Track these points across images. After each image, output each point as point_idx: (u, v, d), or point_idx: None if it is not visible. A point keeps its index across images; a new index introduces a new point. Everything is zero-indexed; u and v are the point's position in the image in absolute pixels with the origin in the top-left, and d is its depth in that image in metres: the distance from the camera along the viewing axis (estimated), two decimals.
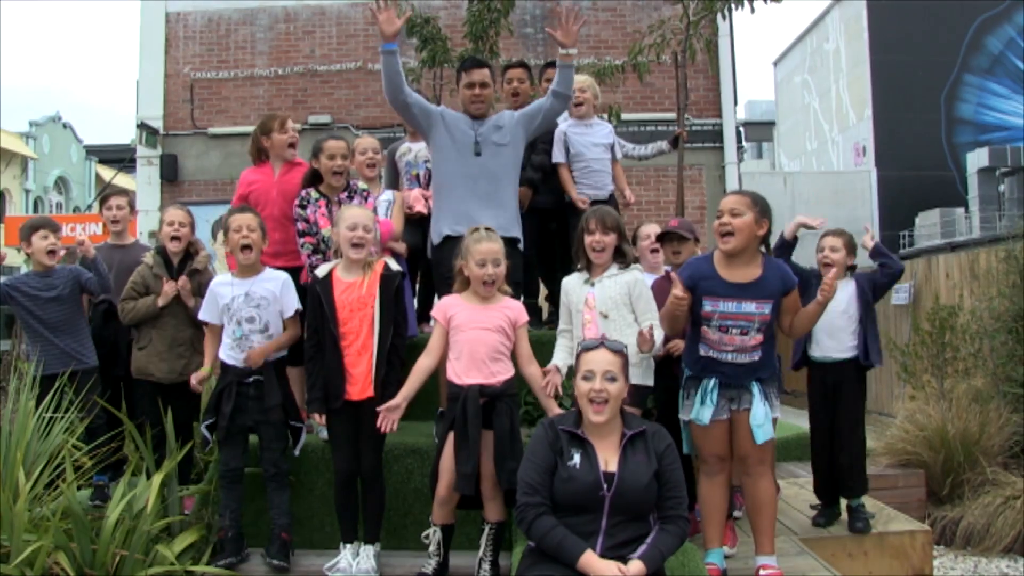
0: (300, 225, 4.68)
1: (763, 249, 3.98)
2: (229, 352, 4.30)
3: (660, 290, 4.35)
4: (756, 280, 3.80)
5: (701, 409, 3.85)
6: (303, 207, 4.69)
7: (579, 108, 5.53)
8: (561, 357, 4.12)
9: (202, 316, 4.43)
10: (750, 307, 3.78)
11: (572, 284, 4.21)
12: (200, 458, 5.22)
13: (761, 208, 3.82)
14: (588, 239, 4.09)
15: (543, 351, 4.40)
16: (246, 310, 4.29)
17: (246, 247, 4.29)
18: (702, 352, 3.87)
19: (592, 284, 4.11)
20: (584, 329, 4.06)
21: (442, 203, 4.69)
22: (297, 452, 4.41)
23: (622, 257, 4.13)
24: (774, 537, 3.98)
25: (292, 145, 5.10)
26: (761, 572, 3.87)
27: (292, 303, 4.40)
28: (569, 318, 4.20)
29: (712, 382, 3.85)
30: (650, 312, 4.08)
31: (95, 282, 4.94)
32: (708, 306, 3.82)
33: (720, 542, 4.04)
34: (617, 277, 4.10)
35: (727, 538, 4.31)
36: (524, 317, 3.98)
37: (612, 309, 4.04)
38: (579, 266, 4.20)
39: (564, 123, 5.54)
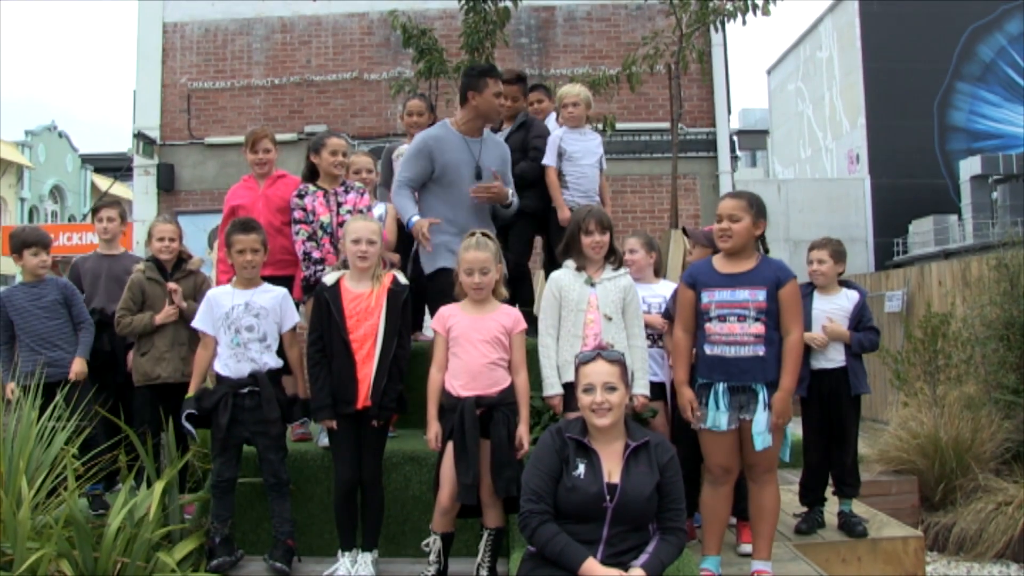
0: (297, 214, 4.81)
1: (760, 248, 4.07)
2: (226, 362, 4.33)
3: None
4: (749, 270, 3.94)
5: (717, 415, 3.89)
6: (301, 197, 4.84)
7: (573, 119, 5.56)
8: (556, 381, 4.10)
9: (196, 324, 4.44)
10: (743, 294, 3.88)
11: (568, 281, 4.19)
12: (198, 466, 5.26)
13: (757, 209, 3.97)
14: (587, 240, 4.14)
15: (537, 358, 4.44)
16: (246, 319, 4.34)
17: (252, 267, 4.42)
18: (708, 351, 3.94)
19: (593, 284, 4.16)
20: (586, 328, 4.10)
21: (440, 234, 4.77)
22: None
23: (612, 254, 4.22)
24: (772, 543, 4.05)
25: (261, 164, 5.19)
26: None
27: (293, 316, 4.49)
28: (556, 313, 4.17)
29: (722, 386, 3.90)
30: (637, 324, 4.17)
31: (77, 312, 5.05)
32: (705, 297, 3.95)
33: (717, 550, 4.11)
34: (616, 280, 4.17)
35: (746, 536, 4.38)
36: (521, 325, 4.03)
37: (614, 313, 4.12)
38: (576, 266, 4.24)
39: (559, 130, 5.60)
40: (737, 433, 3.93)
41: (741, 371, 3.86)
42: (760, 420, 3.83)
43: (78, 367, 4.93)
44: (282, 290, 4.52)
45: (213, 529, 4.24)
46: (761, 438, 3.82)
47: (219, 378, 4.35)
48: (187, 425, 4.32)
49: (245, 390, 4.28)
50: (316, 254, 4.77)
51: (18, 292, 5.03)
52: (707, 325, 3.94)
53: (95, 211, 5.54)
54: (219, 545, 4.20)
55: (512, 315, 4.03)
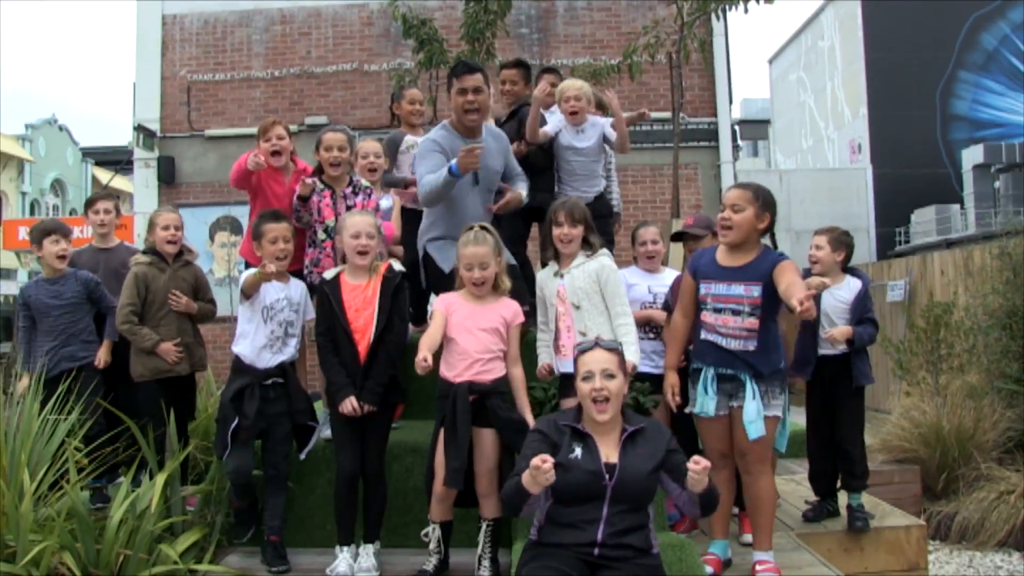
0: (296, 203, 4.70)
1: (767, 241, 4.06)
2: (260, 353, 4.27)
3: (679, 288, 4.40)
4: (746, 264, 3.92)
5: (705, 400, 3.94)
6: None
7: (574, 116, 5.30)
8: (546, 355, 4.22)
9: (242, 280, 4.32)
10: (738, 289, 3.89)
11: (544, 277, 4.27)
12: (200, 459, 5.26)
13: (763, 202, 3.93)
14: (556, 231, 4.15)
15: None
16: (287, 313, 4.35)
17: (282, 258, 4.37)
18: (702, 335, 4.00)
19: (561, 276, 4.16)
20: (559, 321, 4.12)
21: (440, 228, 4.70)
22: (303, 456, 4.43)
23: (589, 247, 4.20)
24: (771, 534, 4.05)
25: (276, 153, 4.96)
26: (758, 567, 3.94)
27: (311, 311, 4.48)
28: (546, 311, 4.26)
29: (711, 372, 3.94)
30: (619, 301, 4.09)
31: (105, 305, 5.11)
32: (703, 289, 3.99)
33: (724, 534, 4.15)
34: (584, 266, 4.14)
35: (748, 527, 4.38)
36: (519, 317, 4.05)
37: (583, 299, 4.09)
38: (548, 257, 4.26)
39: (559, 122, 5.38)
40: (728, 420, 3.96)
41: (731, 361, 3.90)
42: (750, 409, 3.85)
43: (105, 354, 5.09)
44: (303, 284, 4.54)
45: (234, 499, 4.31)
46: (753, 427, 3.84)
47: (243, 367, 4.28)
48: (229, 442, 4.20)
49: (269, 381, 4.28)
50: (311, 253, 4.73)
51: (40, 289, 5.04)
52: (703, 313, 3.99)
53: (90, 204, 5.49)
54: (240, 520, 4.33)
55: (512, 307, 4.04)
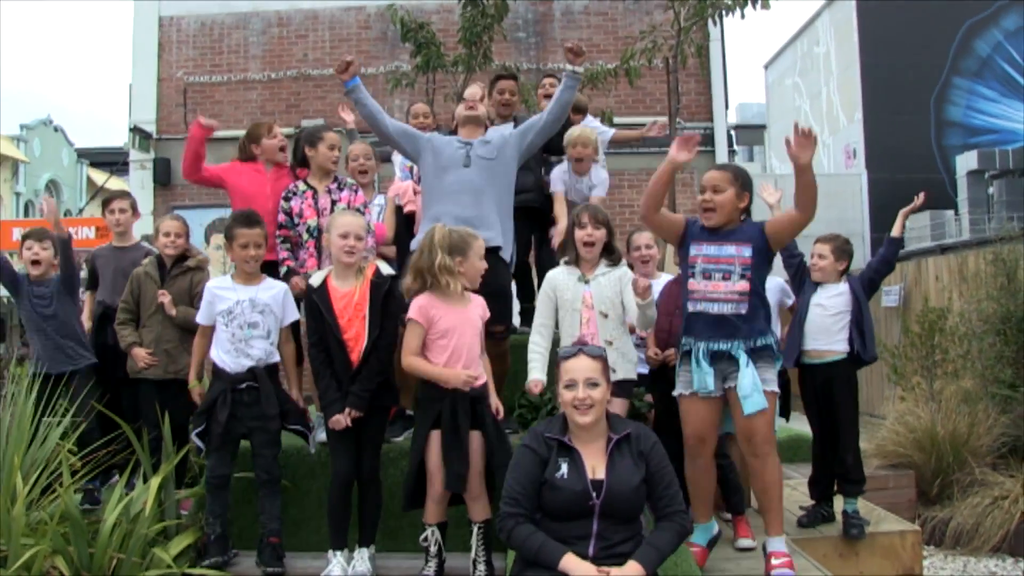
0: (280, 217, 4.78)
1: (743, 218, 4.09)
2: (224, 356, 4.28)
3: (669, 295, 4.43)
4: (736, 227, 3.96)
5: (701, 375, 3.86)
6: (287, 199, 4.79)
7: (580, 164, 5.37)
8: (539, 368, 4.10)
9: (199, 319, 4.41)
10: (730, 249, 3.90)
11: (563, 280, 4.20)
12: (195, 461, 5.24)
13: (742, 182, 3.99)
14: (580, 233, 4.15)
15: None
16: (250, 315, 4.30)
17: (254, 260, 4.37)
18: (691, 308, 3.95)
19: (587, 282, 4.15)
20: (582, 327, 4.09)
21: (426, 216, 4.67)
22: (313, 449, 4.44)
23: (610, 254, 4.21)
24: (782, 517, 4.02)
25: (283, 149, 5.18)
26: (773, 560, 3.90)
27: (293, 312, 4.45)
28: (551, 312, 4.20)
29: (702, 347, 3.88)
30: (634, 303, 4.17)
31: (68, 275, 5.06)
32: (693, 250, 3.97)
33: (707, 517, 4.10)
34: (609, 275, 4.17)
35: (743, 531, 4.36)
36: (487, 311, 4.07)
37: (610, 309, 4.12)
38: (566, 259, 4.24)
39: (561, 177, 5.48)
40: (721, 403, 3.92)
41: (723, 329, 3.85)
42: (745, 383, 3.78)
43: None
44: (284, 286, 4.50)
45: (207, 525, 4.21)
46: (749, 401, 3.78)
47: (216, 371, 4.31)
48: (198, 442, 4.28)
49: (243, 385, 4.25)
50: (288, 263, 4.74)
51: (27, 285, 5.05)
52: (691, 282, 3.95)
53: (106, 203, 5.53)
54: (213, 543, 4.17)
55: (480, 303, 4.06)
